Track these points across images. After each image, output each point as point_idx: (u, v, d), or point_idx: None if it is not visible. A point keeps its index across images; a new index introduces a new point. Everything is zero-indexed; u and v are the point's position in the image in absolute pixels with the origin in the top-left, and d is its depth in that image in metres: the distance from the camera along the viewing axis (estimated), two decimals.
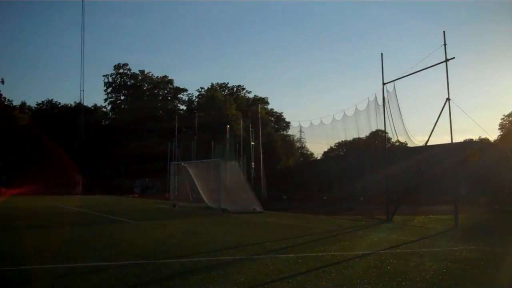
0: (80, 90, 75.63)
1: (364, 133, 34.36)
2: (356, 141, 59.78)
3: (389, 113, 22.50)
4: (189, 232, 15.72)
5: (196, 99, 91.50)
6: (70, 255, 10.51)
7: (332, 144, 70.94)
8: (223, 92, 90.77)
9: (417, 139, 23.33)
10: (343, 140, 64.08)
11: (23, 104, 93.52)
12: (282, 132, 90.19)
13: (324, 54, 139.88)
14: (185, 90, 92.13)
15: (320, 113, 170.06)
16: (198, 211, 27.30)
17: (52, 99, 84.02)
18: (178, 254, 10.88)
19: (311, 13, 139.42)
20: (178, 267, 9.25)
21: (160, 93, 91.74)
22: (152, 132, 78.07)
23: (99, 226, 18.52)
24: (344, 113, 27.41)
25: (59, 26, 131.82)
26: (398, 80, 22.38)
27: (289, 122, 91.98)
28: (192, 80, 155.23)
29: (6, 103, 76.22)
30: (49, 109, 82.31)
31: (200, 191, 30.01)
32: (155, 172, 67.27)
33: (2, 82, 72.49)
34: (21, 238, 13.64)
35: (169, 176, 36.06)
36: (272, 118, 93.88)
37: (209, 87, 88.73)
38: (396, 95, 22.48)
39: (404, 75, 21.84)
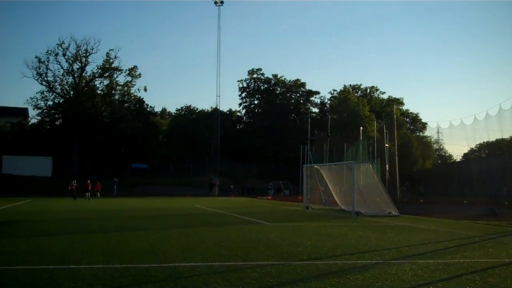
0: (216, 96, 79.22)
1: (508, 134, 32.26)
2: (499, 142, 56.33)
3: None
4: (323, 235, 15.62)
5: (329, 102, 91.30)
6: (208, 254, 10.91)
7: (473, 145, 67.72)
8: (356, 94, 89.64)
9: None
10: (486, 141, 60.75)
11: (163, 110, 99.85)
12: (418, 134, 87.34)
13: (463, 51, 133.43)
14: (317, 92, 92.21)
15: (459, 113, 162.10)
16: (331, 213, 27.12)
17: (190, 105, 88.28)
18: (313, 256, 10.87)
19: (446, 10, 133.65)
20: (313, 269, 9.22)
21: (293, 96, 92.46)
22: (285, 135, 79.30)
23: (235, 226, 19.04)
24: (487, 113, 25.81)
25: (197, 35, 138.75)
26: None
27: (425, 123, 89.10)
28: (324, 82, 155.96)
29: (148, 109, 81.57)
30: (188, 114, 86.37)
31: (333, 193, 29.79)
32: (288, 174, 68.28)
33: (145, 89, 77.88)
34: (161, 237, 14.39)
35: (302, 178, 36.23)
36: (408, 119, 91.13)
37: (342, 89, 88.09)
38: None
39: None
